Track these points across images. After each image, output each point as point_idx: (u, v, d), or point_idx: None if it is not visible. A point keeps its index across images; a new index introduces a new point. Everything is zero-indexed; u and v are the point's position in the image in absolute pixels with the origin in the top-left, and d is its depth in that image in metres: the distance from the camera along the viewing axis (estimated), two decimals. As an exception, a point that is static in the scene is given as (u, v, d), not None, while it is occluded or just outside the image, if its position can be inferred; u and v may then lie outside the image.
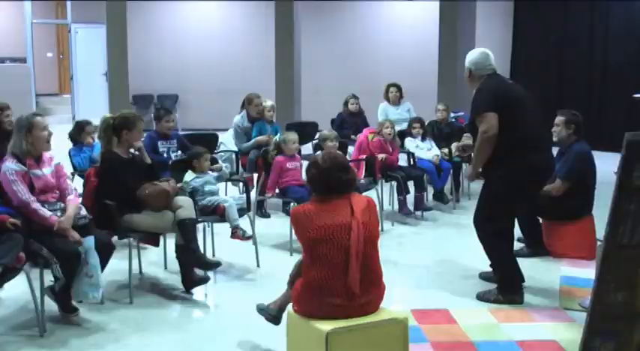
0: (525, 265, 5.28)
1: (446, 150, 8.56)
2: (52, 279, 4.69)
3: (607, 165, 7.38)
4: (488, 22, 15.28)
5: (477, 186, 9.18)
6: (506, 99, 5.03)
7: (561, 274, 5.81)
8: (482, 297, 5.23)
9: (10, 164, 4.68)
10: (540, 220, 6.44)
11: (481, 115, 4.97)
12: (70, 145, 7.26)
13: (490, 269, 5.61)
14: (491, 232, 5.16)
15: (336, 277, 3.59)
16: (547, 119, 5.82)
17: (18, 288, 5.05)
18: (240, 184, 8.26)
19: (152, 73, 17.12)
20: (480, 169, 5.16)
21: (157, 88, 17.41)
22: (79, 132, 7.06)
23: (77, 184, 5.50)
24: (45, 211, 4.65)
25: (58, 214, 4.74)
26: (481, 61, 5.23)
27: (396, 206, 7.84)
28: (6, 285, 4.59)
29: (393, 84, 9.85)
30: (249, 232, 5.91)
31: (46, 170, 4.85)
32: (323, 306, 3.60)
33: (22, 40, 18.01)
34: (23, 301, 5.07)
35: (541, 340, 4.47)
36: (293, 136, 6.90)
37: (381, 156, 7.68)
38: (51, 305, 4.79)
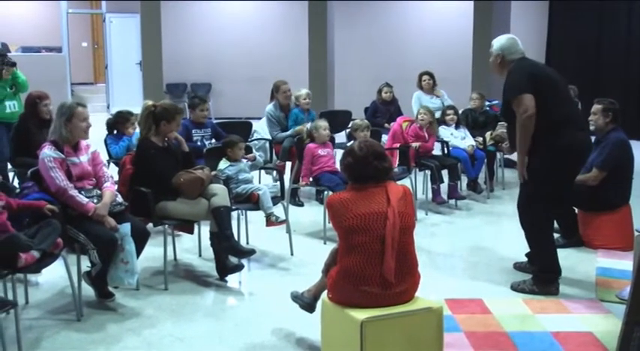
0: (561, 255, 5.21)
1: (480, 139, 8.50)
2: (89, 264, 4.75)
3: (645, 155, 7.28)
4: (522, 9, 15.12)
5: (511, 175, 9.20)
6: (540, 80, 4.95)
7: (597, 265, 5.74)
8: (517, 287, 5.18)
9: (49, 151, 4.74)
10: (576, 210, 6.37)
11: (517, 97, 4.89)
12: (105, 133, 7.33)
13: (525, 259, 5.57)
14: (533, 218, 5.10)
15: (372, 265, 3.59)
16: (584, 109, 5.76)
17: (56, 273, 5.16)
18: (274, 172, 8.27)
19: (185, 62, 17.22)
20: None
21: (191, 77, 17.51)
22: (122, 122, 7.11)
23: (112, 171, 5.54)
24: (82, 198, 4.70)
25: (95, 200, 4.79)
26: (511, 46, 5.15)
27: (430, 195, 7.80)
28: (44, 270, 4.65)
29: (426, 72, 9.79)
30: (283, 217, 5.93)
31: (83, 158, 4.91)
32: (358, 294, 3.60)
33: (58, 29, 18.19)
34: (61, 286, 5.16)
35: (577, 331, 4.42)
36: (323, 123, 6.90)
37: (415, 144, 7.64)
38: (88, 290, 4.86)
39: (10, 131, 7.36)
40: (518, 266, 5.61)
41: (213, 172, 5.65)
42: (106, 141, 7.16)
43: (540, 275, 5.13)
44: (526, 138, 4.92)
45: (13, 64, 8.14)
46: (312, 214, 7.49)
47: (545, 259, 5.14)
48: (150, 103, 5.65)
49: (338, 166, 6.85)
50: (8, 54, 9.60)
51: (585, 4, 14.24)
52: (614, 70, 14.05)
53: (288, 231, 6.13)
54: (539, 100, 4.86)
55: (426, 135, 7.86)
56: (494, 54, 5.20)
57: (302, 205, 7.95)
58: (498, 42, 5.22)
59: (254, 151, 7.06)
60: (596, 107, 6.25)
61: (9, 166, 7.28)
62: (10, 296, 4.09)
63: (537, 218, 5.09)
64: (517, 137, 4.98)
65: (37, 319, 4.63)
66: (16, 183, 6.85)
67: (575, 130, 5.01)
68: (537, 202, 5.05)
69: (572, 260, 5.78)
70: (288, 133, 8.11)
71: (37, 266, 4.29)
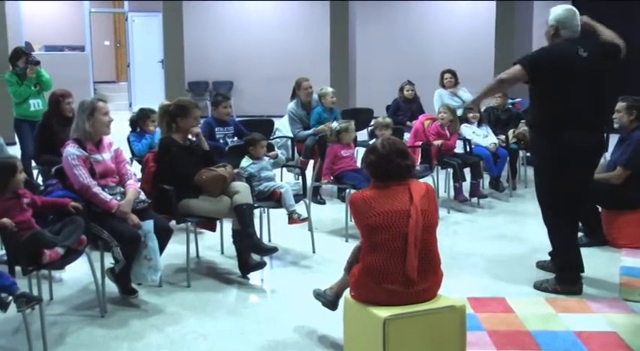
0: (584, 254, 5.18)
1: (502, 137, 8.45)
2: (113, 261, 4.78)
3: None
4: (545, 9, 15.01)
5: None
6: (555, 68, 4.83)
7: (621, 264, 5.69)
8: (539, 286, 5.15)
9: (72, 149, 4.77)
10: (600, 209, 6.32)
11: (514, 64, 4.93)
12: (128, 131, 7.37)
13: (548, 258, 5.53)
14: (554, 216, 5.07)
15: (394, 263, 3.58)
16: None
17: (79, 270, 5.21)
18: (296, 170, 8.28)
19: (207, 61, 17.28)
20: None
21: (212, 75, 17.58)
22: (143, 119, 7.15)
23: (135, 169, 5.58)
24: (105, 195, 4.74)
25: (118, 198, 4.82)
26: (568, 20, 4.97)
27: (452, 193, 7.78)
28: (68, 267, 4.69)
29: (448, 70, 9.76)
30: (305, 215, 5.93)
31: (106, 155, 4.94)
32: (381, 292, 3.60)
33: (81, 28, 18.34)
34: (84, 282, 5.21)
35: (600, 331, 4.39)
36: (353, 125, 6.91)
37: (436, 143, 7.62)
38: (111, 287, 4.90)
39: (35, 129, 7.43)
40: (542, 265, 5.58)
41: (236, 170, 5.66)
42: (128, 139, 7.20)
43: (563, 274, 5.10)
44: (487, 94, 5.21)
45: (37, 63, 8.23)
46: (333, 212, 7.49)
47: (567, 258, 5.10)
48: (166, 102, 5.70)
49: (359, 164, 6.88)
50: (32, 53, 9.67)
51: (608, 4, 14.08)
52: (637, 69, 13.88)
53: (310, 229, 6.13)
54: (547, 89, 4.84)
55: (448, 133, 7.83)
56: (549, 24, 5.03)
57: (324, 202, 7.95)
58: (555, 12, 5.03)
59: (276, 149, 7.06)
60: (620, 105, 6.21)
61: (33, 163, 7.34)
62: (35, 292, 4.12)
63: (558, 217, 5.05)
64: (483, 88, 5.14)
65: (62, 315, 4.68)
66: (39, 180, 6.91)
67: (577, 130, 4.85)
68: (556, 200, 5.01)
69: (595, 259, 5.74)
70: (310, 131, 8.11)
71: (61, 263, 4.33)
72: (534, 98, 5.06)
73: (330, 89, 8.44)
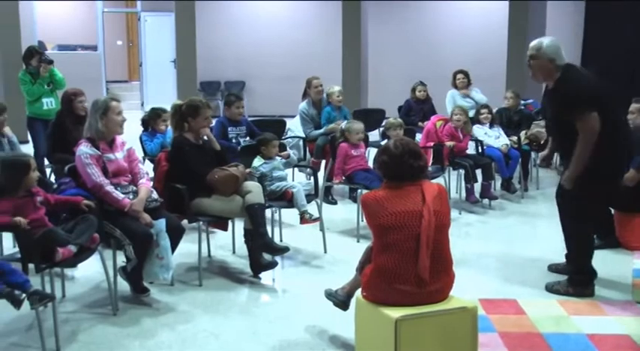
0: (597, 256, 5.15)
1: (514, 138, 8.42)
2: (125, 260, 4.80)
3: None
4: (559, 9, 14.97)
5: (546, 175, 9.13)
6: (602, 97, 4.80)
7: (634, 266, 5.64)
8: (551, 288, 5.13)
9: (85, 148, 4.79)
10: (612, 211, 6.29)
11: (585, 114, 4.68)
12: (140, 130, 7.40)
13: (559, 261, 5.51)
14: (578, 221, 5.02)
15: (407, 264, 3.58)
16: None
17: (92, 268, 5.22)
18: (308, 170, 8.29)
19: (219, 60, 17.32)
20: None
21: (224, 75, 17.61)
22: (154, 118, 7.17)
23: (147, 168, 5.60)
24: (117, 194, 4.76)
25: (130, 196, 4.84)
26: (559, 50, 4.93)
27: (464, 194, 7.76)
28: (80, 265, 4.72)
29: (460, 71, 9.74)
30: (317, 215, 5.93)
31: (119, 154, 4.96)
32: (392, 292, 3.60)
33: (94, 28, 18.41)
34: (96, 280, 5.23)
35: (613, 334, 4.37)
36: (357, 126, 6.87)
37: (449, 144, 7.61)
38: (123, 285, 4.91)
39: (47, 128, 7.46)
40: (554, 268, 5.55)
41: (248, 170, 5.67)
42: (141, 138, 7.22)
43: (576, 277, 5.08)
44: (584, 160, 4.75)
45: (51, 62, 8.26)
46: (345, 212, 7.49)
47: (582, 261, 5.08)
48: (178, 102, 5.73)
49: (371, 164, 6.87)
50: (45, 52, 9.71)
51: (623, 4, 14.02)
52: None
53: (322, 229, 6.13)
54: (600, 118, 4.72)
55: (461, 135, 7.82)
56: (546, 58, 4.90)
57: (335, 203, 7.95)
58: (550, 46, 4.91)
59: (288, 149, 7.07)
60: (634, 106, 6.19)
61: (45, 162, 7.38)
62: (47, 290, 4.14)
63: (584, 220, 5.02)
64: (577, 154, 4.78)
65: (74, 313, 4.70)
66: (52, 179, 6.93)
67: (622, 147, 4.90)
68: (583, 204, 4.96)
69: (608, 261, 5.71)
70: (321, 131, 8.12)
71: (73, 260, 4.36)
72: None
73: (336, 88, 8.45)
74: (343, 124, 7.16)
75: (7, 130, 6.10)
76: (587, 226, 5.06)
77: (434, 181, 4.37)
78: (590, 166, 4.77)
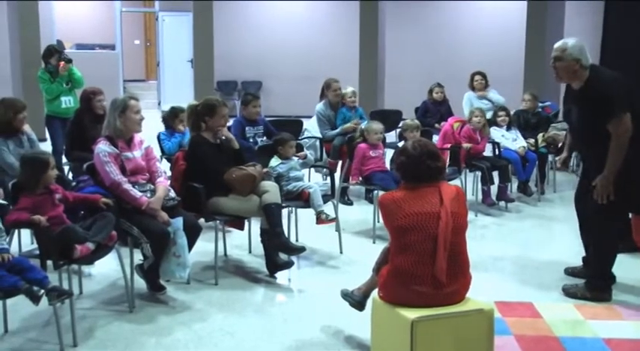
0: (614, 260, 5.14)
1: (532, 140, 8.39)
2: (142, 258, 4.82)
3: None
4: (577, 9, 14.88)
5: (563, 178, 9.07)
6: (632, 97, 4.76)
7: (652, 271, 5.64)
8: (568, 292, 5.10)
9: (103, 146, 4.82)
10: (630, 215, 6.23)
11: (619, 116, 4.65)
12: (159, 129, 7.43)
13: (576, 264, 5.47)
14: (605, 226, 4.97)
15: (424, 265, 3.58)
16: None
17: (109, 265, 5.26)
18: (324, 170, 8.30)
19: (236, 60, 17.35)
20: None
21: (241, 75, 17.64)
22: (172, 118, 7.21)
23: (164, 167, 5.62)
24: (135, 192, 4.78)
25: (148, 195, 4.87)
26: (585, 51, 4.87)
27: (480, 196, 7.73)
28: (97, 262, 4.75)
29: (478, 72, 9.71)
30: (333, 215, 5.94)
31: (137, 153, 4.99)
32: (409, 293, 3.59)
33: (112, 28, 18.51)
34: (113, 277, 5.26)
35: (630, 338, 4.34)
36: (377, 126, 6.87)
37: (466, 146, 7.59)
38: (140, 283, 4.95)
39: (66, 126, 7.52)
40: (571, 271, 5.52)
41: (265, 170, 5.68)
42: (159, 137, 7.26)
43: (594, 281, 5.04)
44: (618, 162, 4.73)
45: (70, 61, 8.32)
46: (361, 213, 7.49)
47: (602, 266, 5.04)
48: (194, 102, 5.75)
49: (388, 165, 6.87)
50: (64, 50, 9.78)
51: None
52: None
53: (338, 229, 6.13)
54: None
55: (479, 137, 7.79)
56: (571, 59, 4.83)
57: (351, 203, 7.95)
58: (575, 47, 4.85)
59: (305, 149, 7.08)
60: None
61: (63, 160, 7.43)
62: (65, 286, 4.17)
63: (609, 224, 4.97)
64: (611, 156, 4.74)
65: (91, 309, 4.73)
66: (69, 177, 6.98)
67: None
68: (611, 208, 4.89)
69: (625, 266, 5.66)
70: (337, 130, 8.12)
71: (91, 258, 4.40)
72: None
73: (349, 89, 8.47)
74: (363, 125, 7.16)
75: (26, 127, 6.15)
76: (613, 229, 5.00)
77: (451, 182, 4.36)
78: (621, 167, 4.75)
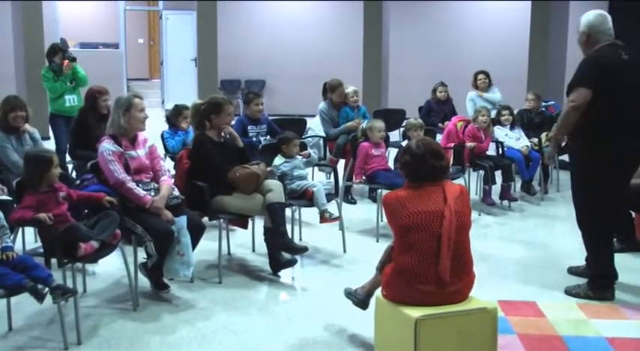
0: (616, 260, 5.11)
1: (535, 140, 8.39)
2: (145, 256, 4.83)
3: None
4: (581, 9, 14.86)
5: (567, 178, 9.01)
6: (608, 78, 4.76)
7: (655, 270, 5.64)
8: (571, 291, 5.10)
9: (108, 145, 4.83)
10: (633, 214, 6.23)
11: (575, 88, 4.80)
12: (162, 127, 7.43)
13: (580, 264, 5.47)
14: (592, 223, 5.00)
15: (427, 264, 3.58)
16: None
17: (112, 264, 5.27)
18: (328, 169, 8.31)
19: (240, 59, 17.35)
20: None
21: (245, 74, 17.65)
22: (176, 115, 7.22)
23: (168, 165, 5.63)
24: (139, 190, 4.79)
25: (152, 193, 4.88)
26: (598, 25, 4.95)
27: (482, 195, 7.73)
28: (101, 261, 4.75)
29: (481, 71, 9.71)
30: (337, 214, 5.95)
31: (141, 151, 4.99)
32: (413, 292, 3.60)
33: (115, 26, 18.54)
34: (117, 276, 5.27)
35: (633, 337, 4.34)
36: (379, 124, 6.87)
37: (469, 145, 7.58)
38: (143, 281, 4.96)
39: (69, 124, 7.53)
40: (574, 271, 5.52)
41: (269, 168, 5.68)
42: (162, 135, 7.26)
43: (596, 280, 5.04)
44: (566, 126, 4.91)
45: (74, 59, 8.34)
46: (364, 212, 7.49)
47: (601, 264, 5.04)
48: (198, 101, 5.75)
49: (391, 164, 6.87)
50: (68, 49, 9.80)
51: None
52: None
53: (341, 228, 6.14)
54: (599, 97, 4.72)
55: (483, 136, 7.79)
56: (580, 31, 5.01)
57: (355, 202, 7.95)
58: (586, 18, 5.01)
59: (308, 148, 7.08)
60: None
61: (67, 158, 7.44)
62: (69, 285, 4.17)
63: (596, 223, 4.99)
64: (558, 122, 5.00)
65: (95, 308, 4.74)
66: (73, 175, 6.99)
67: (624, 135, 4.80)
68: (593, 205, 4.95)
69: (628, 265, 5.67)
70: (341, 128, 8.13)
71: (95, 256, 4.40)
72: None
73: (351, 88, 8.48)
74: (364, 123, 7.16)
75: (27, 126, 6.13)
76: (601, 226, 5.01)
77: (455, 182, 4.36)
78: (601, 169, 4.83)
